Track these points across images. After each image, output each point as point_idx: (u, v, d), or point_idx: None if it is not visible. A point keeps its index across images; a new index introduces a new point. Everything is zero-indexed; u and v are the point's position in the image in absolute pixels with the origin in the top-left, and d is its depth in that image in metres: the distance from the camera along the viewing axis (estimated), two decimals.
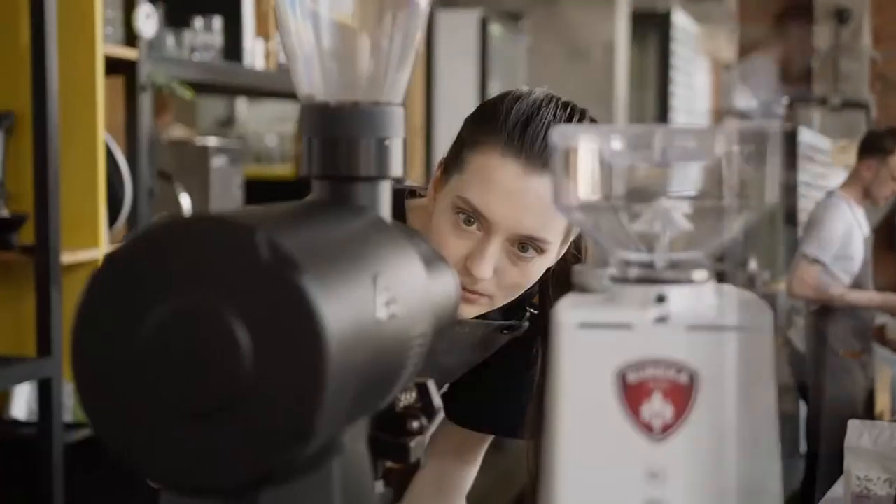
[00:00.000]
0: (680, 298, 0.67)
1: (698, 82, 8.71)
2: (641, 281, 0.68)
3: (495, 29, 5.16)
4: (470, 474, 1.54)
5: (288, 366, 0.58)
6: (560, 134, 0.69)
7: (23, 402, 2.62)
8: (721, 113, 9.62)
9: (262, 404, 0.58)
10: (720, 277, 0.71)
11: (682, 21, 7.63)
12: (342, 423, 0.65)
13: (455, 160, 1.29)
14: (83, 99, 2.48)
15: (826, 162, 7.19)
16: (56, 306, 2.34)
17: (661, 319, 0.66)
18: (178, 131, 4.14)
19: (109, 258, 0.62)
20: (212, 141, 3.25)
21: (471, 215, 1.25)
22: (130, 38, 2.69)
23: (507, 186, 1.23)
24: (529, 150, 1.24)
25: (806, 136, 6.98)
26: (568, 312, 0.67)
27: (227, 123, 5.95)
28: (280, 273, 0.58)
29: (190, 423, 0.59)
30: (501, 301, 1.31)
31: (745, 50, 9.88)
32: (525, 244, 1.25)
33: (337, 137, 0.77)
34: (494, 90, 6.04)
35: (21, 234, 2.40)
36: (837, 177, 8.11)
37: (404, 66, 0.80)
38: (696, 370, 0.65)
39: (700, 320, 0.66)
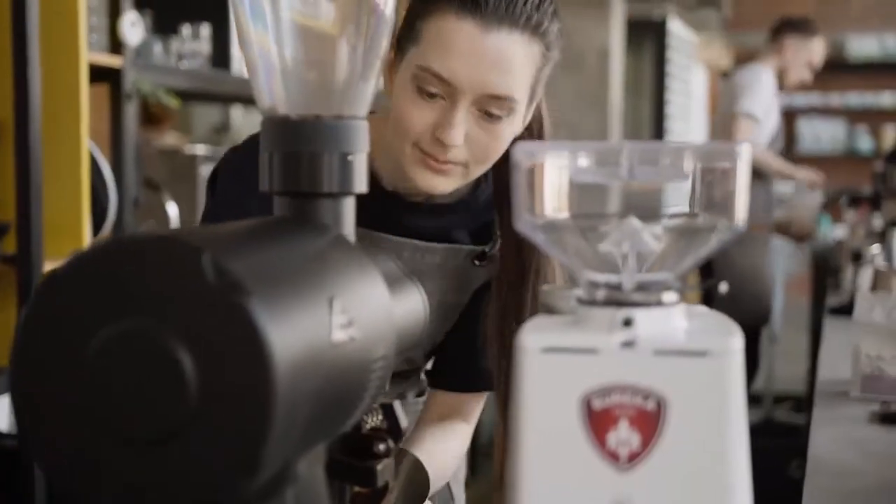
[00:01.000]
0: (648, 322, 0.64)
1: (694, 90, 8.69)
2: (609, 303, 0.65)
3: None
4: (470, 434, 1.49)
5: (233, 394, 0.56)
6: (524, 151, 0.66)
7: (5, 413, 2.59)
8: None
9: (207, 434, 0.56)
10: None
11: (677, 28, 7.61)
12: (295, 451, 0.62)
13: (408, 34, 1.26)
14: (67, 106, 2.45)
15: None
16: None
17: (628, 344, 0.63)
18: (171, 139, 4.11)
19: (52, 276, 0.59)
20: (201, 149, 3.22)
21: (432, 85, 1.22)
22: (116, 45, 2.67)
23: (467, 47, 1.21)
24: (485, 7, 1.21)
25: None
26: (531, 336, 0.64)
27: (221, 130, 5.92)
28: (226, 296, 0.56)
29: (133, 451, 0.57)
30: (476, 171, 1.28)
31: (741, 58, 9.89)
32: (491, 109, 1.23)
33: (299, 152, 0.74)
34: None
35: (3, 243, 2.37)
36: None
37: (368, 77, 0.78)
38: (664, 396, 0.63)
39: (668, 345, 0.63)
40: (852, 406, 1.73)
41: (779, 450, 4.63)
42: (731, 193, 0.65)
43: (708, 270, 4.37)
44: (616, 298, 0.65)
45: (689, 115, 8.33)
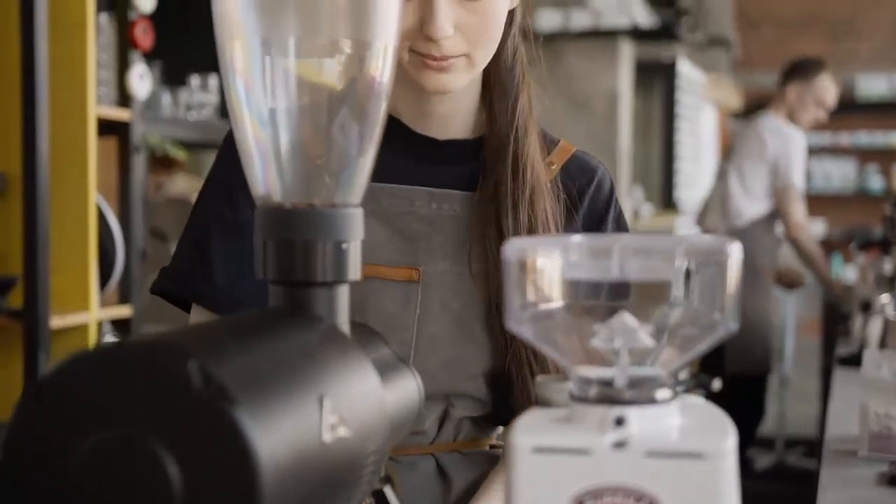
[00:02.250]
0: (641, 420, 0.64)
1: (704, 130, 8.70)
2: (601, 400, 0.65)
3: None
4: None
5: (220, 502, 0.55)
6: (513, 247, 0.66)
7: None
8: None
9: None
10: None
11: (686, 70, 7.63)
12: None
13: None
14: (75, 161, 2.47)
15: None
16: (44, 371, 2.31)
17: (620, 444, 0.63)
18: (181, 182, 4.12)
19: (39, 384, 0.59)
20: None
21: None
22: (124, 98, 2.68)
23: None
24: None
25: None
26: (523, 436, 0.64)
27: None
28: (212, 404, 0.56)
29: None
30: (482, 57, 1.22)
31: (751, 98, 9.92)
32: None
33: (292, 241, 0.74)
34: None
35: (10, 297, 2.38)
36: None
37: (363, 162, 0.78)
38: (657, 498, 0.62)
39: (661, 446, 0.63)
40: (860, 466, 1.71)
41: (790, 496, 4.59)
42: (723, 290, 0.65)
43: None
44: (608, 396, 0.65)
45: (699, 156, 8.33)
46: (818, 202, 10.36)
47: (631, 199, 6.35)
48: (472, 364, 1.27)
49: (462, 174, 1.30)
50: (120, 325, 2.74)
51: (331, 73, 0.76)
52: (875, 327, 2.81)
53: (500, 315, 1.25)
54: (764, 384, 4.49)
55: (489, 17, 1.20)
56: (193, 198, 1.36)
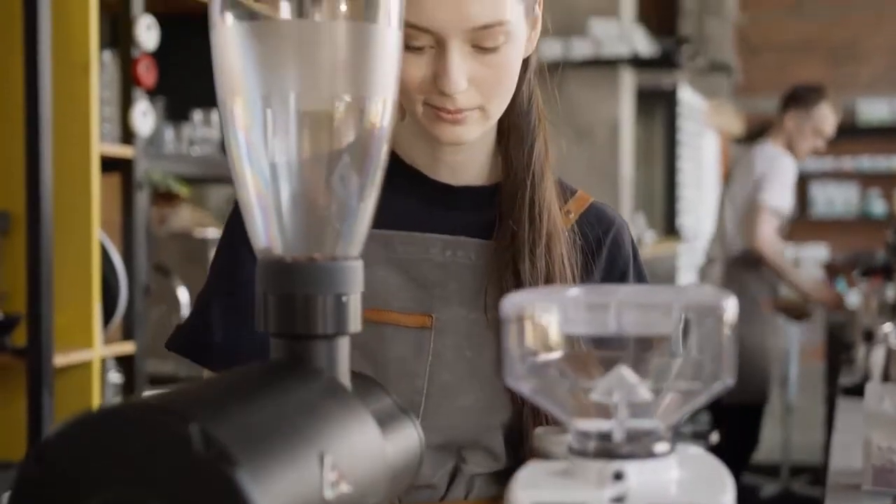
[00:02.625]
0: (639, 474, 0.64)
1: (706, 156, 8.72)
2: (599, 455, 0.65)
3: None
4: None
5: None
6: (511, 302, 0.67)
7: None
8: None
9: None
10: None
11: (688, 97, 7.66)
12: None
13: None
14: (78, 198, 2.48)
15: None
16: (48, 410, 2.31)
17: (619, 499, 0.63)
18: (185, 213, 4.14)
19: (42, 446, 0.60)
20: (212, 233, 3.24)
21: (416, 39, 1.14)
22: (127, 135, 2.70)
23: None
24: None
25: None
26: (522, 491, 0.64)
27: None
28: (214, 466, 0.56)
29: None
30: (496, 109, 1.20)
31: (752, 123, 9.97)
32: (484, 43, 1.15)
33: (293, 294, 0.75)
34: None
35: (14, 335, 2.38)
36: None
37: (363, 214, 0.78)
38: None
39: (659, 499, 0.63)
40: (864, 500, 1.71)
41: None
42: (720, 344, 0.65)
43: None
44: (606, 450, 0.65)
45: (701, 183, 8.34)
46: (821, 227, 10.38)
47: (634, 227, 6.36)
48: (487, 414, 1.24)
49: (477, 220, 1.29)
50: (124, 361, 2.74)
51: (331, 127, 0.77)
52: (878, 357, 2.80)
53: None
54: (760, 413, 4.47)
55: (503, 69, 1.18)
56: (197, 232, 1.37)
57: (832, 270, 8.79)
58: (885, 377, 2.64)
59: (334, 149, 0.77)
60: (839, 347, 4.40)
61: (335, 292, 0.75)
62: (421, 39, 1.15)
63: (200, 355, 1.28)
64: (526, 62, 1.27)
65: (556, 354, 0.68)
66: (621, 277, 1.31)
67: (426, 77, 1.16)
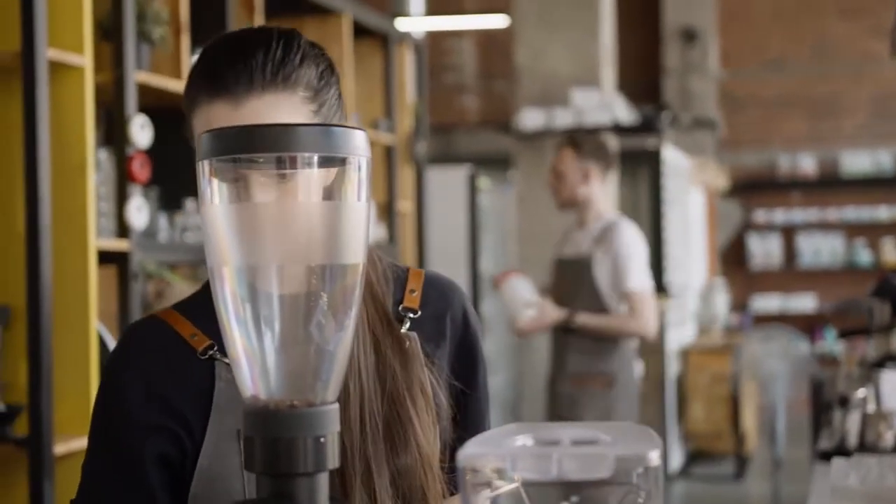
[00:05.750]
0: None
1: (692, 212, 8.84)
2: None
3: (483, 182, 5.31)
4: None
5: None
6: (464, 456, 0.77)
7: None
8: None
9: None
10: None
11: (672, 156, 7.79)
12: None
13: (190, 133, 1.26)
14: (77, 292, 2.58)
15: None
16: (49, 499, 2.40)
17: None
18: (181, 289, 4.22)
19: None
20: None
21: None
22: (123, 228, 2.81)
23: (226, 123, 1.18)
24: (227, 82, 1.21)
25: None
26: None
27: None
28: None
29: None
30: None
31: (737, 177, 10.12)
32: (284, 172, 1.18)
33: (276, 438, 0.85)
34: (485, 240, 6.18)
35: (15, 426, 2.47)
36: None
37: (339, 363, 0.89)
38: None
39: None
40: None
41: None
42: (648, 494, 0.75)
43: None
44: None
45: (688, 240, 8.45)
46: (808, 277, 10.50)
47: None
48: None
49: None
50: None
51: (309, 290, 0.88)
52: (853, 423, 2.88)
53: None
54: None
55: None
56: None
57: (820, 321, 8.86)
58: (861, 444, 2.73)
59: (312, 307, 0.88)
60: (822, 406, 4.48)
61: (314, 434, 0.86)
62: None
63: None
64: None
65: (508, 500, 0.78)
66: (469, 349, 1.37)
67: None
